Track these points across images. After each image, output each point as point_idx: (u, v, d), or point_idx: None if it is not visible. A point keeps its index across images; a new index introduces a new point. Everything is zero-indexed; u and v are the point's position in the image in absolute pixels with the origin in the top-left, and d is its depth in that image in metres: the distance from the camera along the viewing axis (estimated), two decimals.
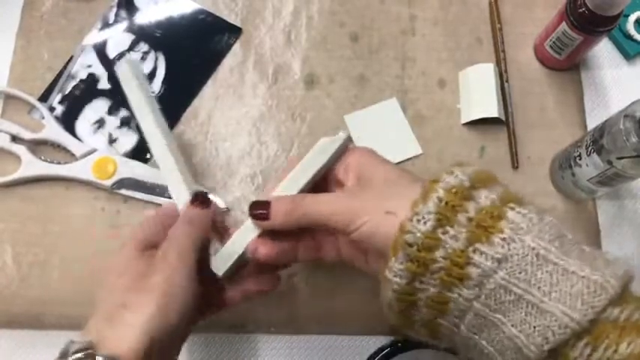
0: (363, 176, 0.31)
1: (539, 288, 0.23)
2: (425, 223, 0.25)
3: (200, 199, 0.33)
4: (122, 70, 0.39)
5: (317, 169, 0.32)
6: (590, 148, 0.38)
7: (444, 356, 0.39)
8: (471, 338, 0.26)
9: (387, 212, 0.27)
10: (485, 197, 0.26)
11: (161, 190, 0.42)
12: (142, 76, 0.40)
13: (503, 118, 0.45)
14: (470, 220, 0.25)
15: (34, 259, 0.41)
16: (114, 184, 0.42)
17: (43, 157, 0.43)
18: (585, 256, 0.24)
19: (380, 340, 0.40)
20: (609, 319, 0.23)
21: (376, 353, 0.39)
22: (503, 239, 0.24)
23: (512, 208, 0.25)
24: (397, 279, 0.26)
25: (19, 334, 0.41)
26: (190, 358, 0.41)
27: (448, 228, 0.25)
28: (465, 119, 0.46)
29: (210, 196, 0.43)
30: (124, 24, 0.48)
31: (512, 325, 0.24)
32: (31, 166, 0.42)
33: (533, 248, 0.24)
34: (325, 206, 0.29)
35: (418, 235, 0.25)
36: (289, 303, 0.41)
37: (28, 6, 0.48)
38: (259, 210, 0.30)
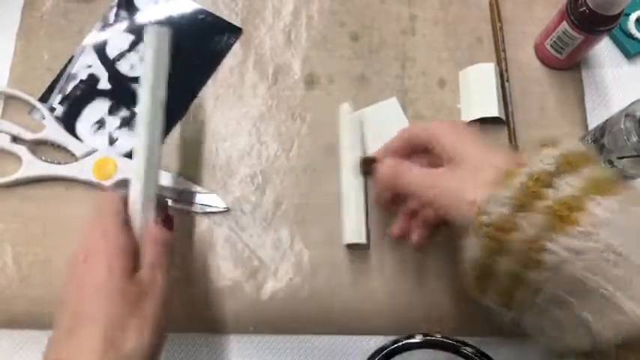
0: (455, 158, 0.31)
1: (613, 284, 0.23)
2: (502, 205, 0.26)
3: (168, 221, 0.36)
4: (149, 38, 0.38)
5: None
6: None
7: (445, 356, 0.39)
8: (545, 310, 0.27)
9: (470, 202, 0.28)
10: (567, 184, 0.25)
11: (161, 191, 0.42)
12: (165, 55, 0.38)
13: (503, 117, 0.45)
14: (548, 208, 0.25)
15: (35, 259, 0.41)
16: (114, 184, 0.42)
17: (43, 158, 0.43)
18: None
19: (380, 340, 0.40)
20: None
21: (376, 353, 0.39)
22: (580, 232, 0.24)
23: (594, 199, 0.25)
24: (474, 252, 0.28)
25: (20, 334, 0.41)
26: (188, 359, 0.41)
27: (525, 213, 0.25)
28: (465, 119, 0.46)
29: (211, 196, 0.43)
30: (124, 24, 0.48)
31: (588, 311, 0.25)
32: (32, 166, 0.43)
33: (610, 244, 0.24)
34: (419, 181, 0.32)
35: (493, 216, 0.26)
36: (289, 303, 0.41)
37: (28, 6, 0.48)
38: (369, 166, 0.37)
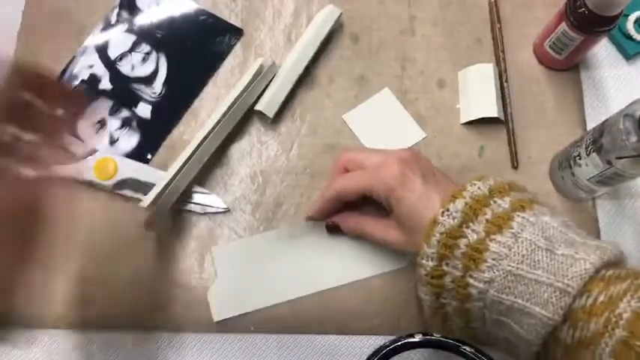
0: (394, 213, 0.37)
1: (522, 298, 0.30)
2: (431, 259, 0.33)
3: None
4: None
5: None
6: (589, 148, 0.38)
7: (445, 356, 0.39)
8: (496, 334, 0.34)
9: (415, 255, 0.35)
10: (472, 232, 0.32)
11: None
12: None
13: (502, 118, 0.45)
14: (463, 254, 0.32)
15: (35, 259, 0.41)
16: (115, 184, 0.43)
17: None
18: (554, 261, 0.30)
19: (380, 340, 0.40)
20: (579, 307, 0.29)
21: (375, 353, 0.39)
22: (488, 267, 0.31)
23: (493, 239, 0.32)
24: (426, 298, 0.35)
25: (20, 333, 0.41)
26: (188, 359, 0.41)
27: (448, 261, 0.33)
28: (464, 119, 0.46)
29: (211, 196, 0.43)
30: (126, 25, 0.48)
31: (515, 323, 0.31)
32: None
33: (510, 271, 0.31)
34: (380, 235, 0.38)
35: (428, 268, 0.33)
36: (289, 302, 0.41)
37: (29, 6, 0.48)
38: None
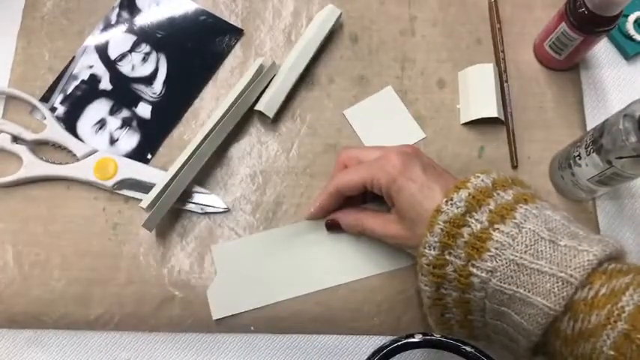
0: (395, 206, 0.37)
1: (524, 288, 0.30)
2: (433, 248, 0.33)
3: None
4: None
5: None
6: (589, 148, 0.38)
7: (445, 356, 0.39)
8: (495, 326, 0.33)
9: (415, 248, 0.36)
10: (476, 221, 0.32)
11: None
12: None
13: (502, 118, 0.45)
14: (465, 243, 0.32)
15: (36, 258, 0.41)
16: (115, 184, 0.43)
17: (44, 158, 0.43)
18: (557, 252, 0.30)
19: (380, 340, 0.41)
20: (580, 298, 0.29)
21: (375, 353, 0.39)
22: (490, 256, 0.31)
23: (497, 229, 0.32)
24: (425, 289, 0.35)
25: (20, 333, 0.41)
26: (188, 359, 0.41)
27: (450, 250, 0.33)
28: (464, 119, 0.46)
29: (211, 197, 0.43)
30: (126, 25, 0.48)
31: (516, 313, 0.31)
32: (33, 166, 0.43)
33: (513, 260, 0.31)
34: (380, 230, 0.38)
35: (430, 257, 0.33)
36: (289, 302, 0.41)
37: (29, 7, 0.48)
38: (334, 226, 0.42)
